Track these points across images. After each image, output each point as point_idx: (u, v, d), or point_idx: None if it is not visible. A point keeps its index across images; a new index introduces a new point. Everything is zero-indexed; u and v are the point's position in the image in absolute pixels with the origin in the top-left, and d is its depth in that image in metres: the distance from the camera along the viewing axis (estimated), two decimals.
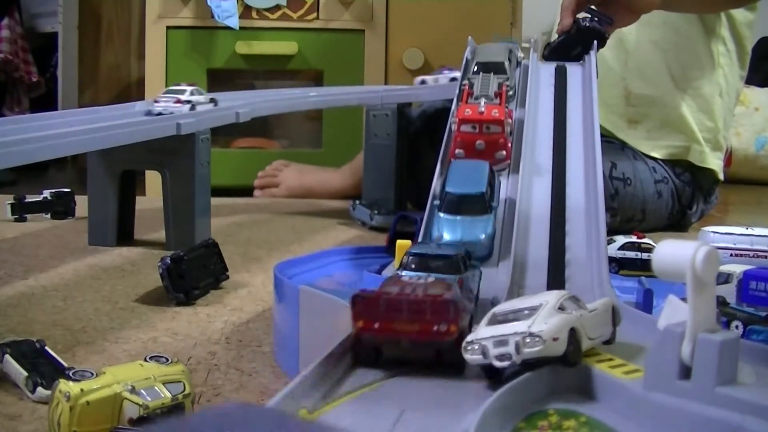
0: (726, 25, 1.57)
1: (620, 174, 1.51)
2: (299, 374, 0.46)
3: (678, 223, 1.62)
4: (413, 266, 0.63)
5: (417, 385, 0.49)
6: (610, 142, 1.55)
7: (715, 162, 1.60)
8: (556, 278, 0.73)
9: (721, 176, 1.62)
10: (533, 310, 0.48)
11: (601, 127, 1.52)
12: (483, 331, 0.48)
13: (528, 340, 0.46)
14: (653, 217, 1.57)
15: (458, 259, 0.63)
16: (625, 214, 1.52)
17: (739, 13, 1.58)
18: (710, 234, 1.06)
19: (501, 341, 0.46)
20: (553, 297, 0.50)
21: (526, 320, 0.47)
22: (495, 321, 0.49)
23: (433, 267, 0.62)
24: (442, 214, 0.76)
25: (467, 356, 0.48)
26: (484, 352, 0.47)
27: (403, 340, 0.50)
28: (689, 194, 1.60)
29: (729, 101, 1.63)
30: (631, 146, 1.58)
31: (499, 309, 0.51)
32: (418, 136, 1.65)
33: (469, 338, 0.48)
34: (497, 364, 0.47)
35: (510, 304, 0.51)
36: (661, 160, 1.58)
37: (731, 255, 1.02)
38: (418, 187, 1.55)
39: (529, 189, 0.85)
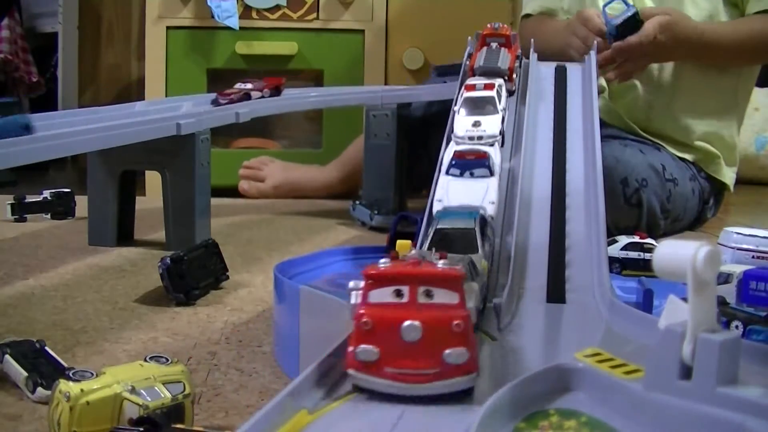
0: None
1: (670, 175, 1.50)
2: (299, 374, 0.46)
3: (697, 220, 1.62)
4: None
5: None
6: (643, 142, 1.53)
7: (729, 176, 1.61)
8: (555, 277, 0.73)
9: (731, 189, 1.63)
10: None
11: (631, 129, 1.52)
12: None
13: None
14: (689, 215, 1.57)
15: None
16: (675, 214, 1.51)
17: None
18: (734, 235, 1.03)
19: None
20: None
21: None
22: None
23: None
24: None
25: None
26: None
27: None
28: (708, 191, 1.61)
29: (742, 113, 1.65)
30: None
31: None
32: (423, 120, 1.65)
33: None
34: None
35: None
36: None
37: (753, 257, 1.00)
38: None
39: (529, 189, 0.85)
